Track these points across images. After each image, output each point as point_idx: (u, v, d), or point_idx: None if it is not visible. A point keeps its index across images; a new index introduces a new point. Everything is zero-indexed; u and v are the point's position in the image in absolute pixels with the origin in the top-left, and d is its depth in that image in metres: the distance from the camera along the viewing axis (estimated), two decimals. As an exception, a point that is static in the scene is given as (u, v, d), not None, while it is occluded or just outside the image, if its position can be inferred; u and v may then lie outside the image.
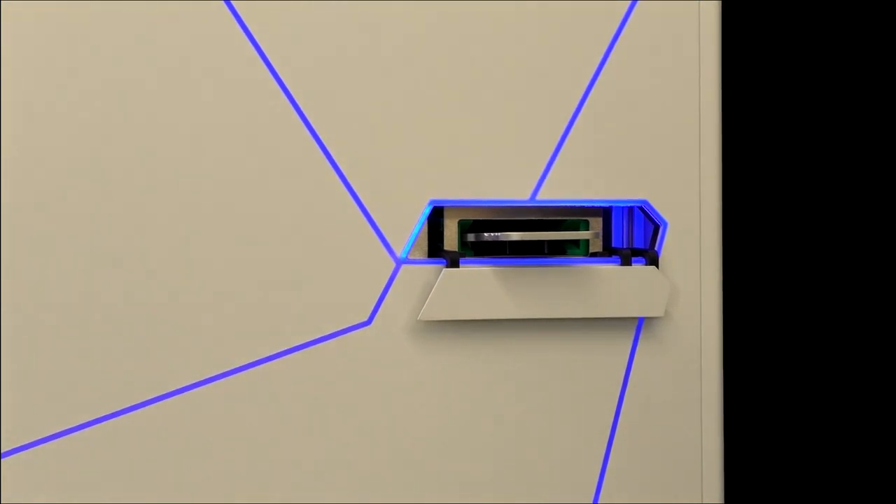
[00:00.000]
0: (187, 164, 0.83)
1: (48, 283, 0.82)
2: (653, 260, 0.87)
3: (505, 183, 0.85)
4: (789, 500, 1.16)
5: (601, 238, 0.89)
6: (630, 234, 0.90)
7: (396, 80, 0.84)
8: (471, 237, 0.86)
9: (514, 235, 0.84)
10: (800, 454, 1.18)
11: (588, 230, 0.88)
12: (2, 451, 0.81)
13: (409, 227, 0.84)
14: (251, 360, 0.83)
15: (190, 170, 0.83)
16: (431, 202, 0.84)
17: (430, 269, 0.84)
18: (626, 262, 0.87)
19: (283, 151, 0.83)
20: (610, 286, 0.87)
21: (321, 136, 0.83)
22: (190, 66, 0.84)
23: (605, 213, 0.90)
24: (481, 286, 0.84)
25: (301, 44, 0.84)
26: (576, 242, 0.88)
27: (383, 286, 0.84)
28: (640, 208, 0.89)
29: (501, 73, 0.86)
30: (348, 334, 0.83)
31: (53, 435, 0.82)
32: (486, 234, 0.85)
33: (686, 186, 0.88)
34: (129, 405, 0.82)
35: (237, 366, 0.83)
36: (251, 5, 0.84)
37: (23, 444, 0.81)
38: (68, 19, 0.82)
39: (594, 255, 0.88)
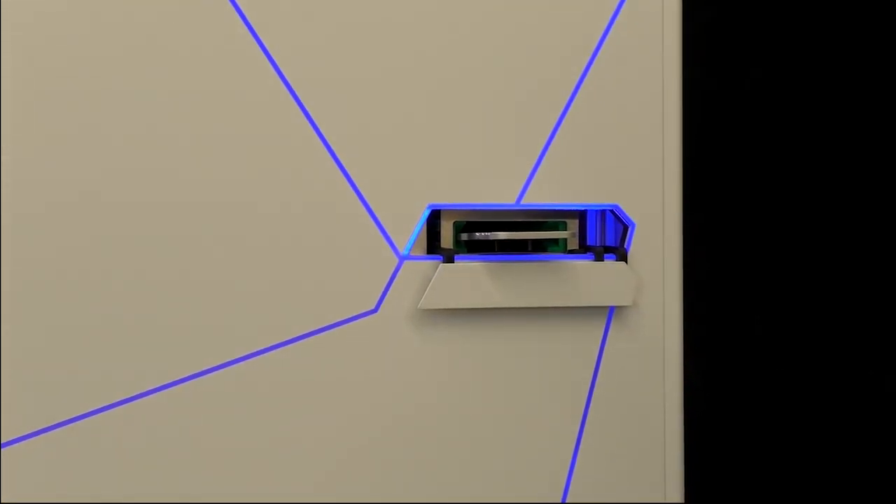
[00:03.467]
0: (211, 170, 0.83)
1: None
2: (622, 256, 0.90)
3: (494, 189, 0.88)
4: (748, 474, 1.17)
5: (577, 237, 0.92)
6: (602, 234, 0.92)
7: (400, 100, 0.86)
8: (464, 236, 0.89)
9: (502, 235, 0.87)
10: (753, 429, 1.19)
11: (566, 230, 0.90)
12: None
13: (410, 228, 0.86)
14: (272, 344, 0.84)
15: (214, 175, 0.83)
16: (430, 206, 0.87)
17: (429, 264, 0.87)
18: (599, 258, 0.90)
19: (302, 163, 0.84)
20: (585, 279, 0.89)
21: (334, 149, 0.85)
22: (201, 74, 0.83)
23: (581, 215, 0.92)
24: (473, 279, 0.87)
25: (315, 62, 0.84)
26: (555, 241, 0.91)
27: (388, 279, 0.86)
28: (612, 211, 0.91)
29: (491, 95, 0.87)
30: (357, 321, 0.85)
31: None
32: (477, 234, 0.88)
33: (651, 193, 0.91)
34: (142, 392, 0.83)
35: (259, 349, 0.83)
36: (265, 21, 0.84)
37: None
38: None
39: (571, 252, 0.91)
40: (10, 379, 0.80)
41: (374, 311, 0.86)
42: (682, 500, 0.91)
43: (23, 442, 0.81)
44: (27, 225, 0.81)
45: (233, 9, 0.83)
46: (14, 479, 0.81)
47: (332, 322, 0.84)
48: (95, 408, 0.82)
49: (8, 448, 0.81)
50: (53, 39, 0.81)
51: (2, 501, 0.81)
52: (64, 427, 0.81)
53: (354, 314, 0.85)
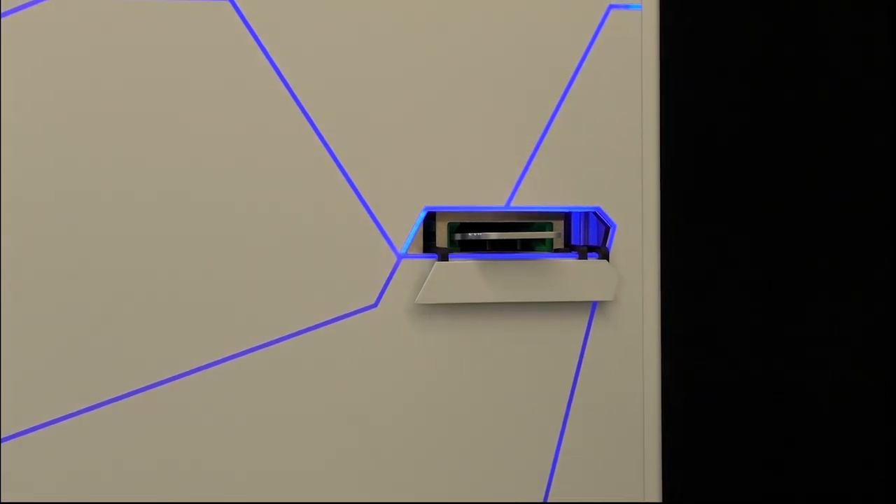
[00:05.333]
0: (225, 175, 0.84)
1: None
2: (604, 255, 0.91)
3: (485, 193, 0.89)
4: (722, 455, 1.17)
5: (563, 237, 0.92)
6: (586, 234, 0.93)
7: (399, 110, 0.87)
8: (458, 236, 0.90)
9: (493, 235, 0.88)
10: (727, 421, 1.17)
11: (552, 231, 0.91)
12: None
13: (407, 229, 0.88)
14: (279, 337, 0.85)
15: (228, 180, 0.84)
16: (426, 208, 0.88)
17: (425, 262, 0.88)
18: (582, 256, 0.90)
19: (308, 169, 0.85)
20: (570, 276, 0.90)
21: (337, 156, 0.86)
22: (206, 81, 0.84)
23: (566, 216, 0.92)
24: (466, 276, 0.88)
25: (321, 76, 0.86)
26: (542, 240, 0.91)
27: (387, 276, 0.87)
28: (594, 213, 0.92)
29: (483, 105, 0.89)
30: (358, 315, 0.86)
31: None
32: (470, 234, 0.89)
33: (631, 196, 0.91)
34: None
35: (266, 341, 0.85)
36: (270, 32, 0.85)
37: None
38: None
39: (557, 250, 0.91)
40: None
41: (374, 305, 0.87)
42: (660, 480, 0.92)
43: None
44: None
45: (236, 15, 0.84)
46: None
47: (335, 316, 0.86)
48: (103, 400, 0.83)
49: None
50: (54, 41, 0.82)
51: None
52: (73, 419, 0.82)
53: (356, 309, 0.86)
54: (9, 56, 0.81)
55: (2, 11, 0.79)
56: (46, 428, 0.82)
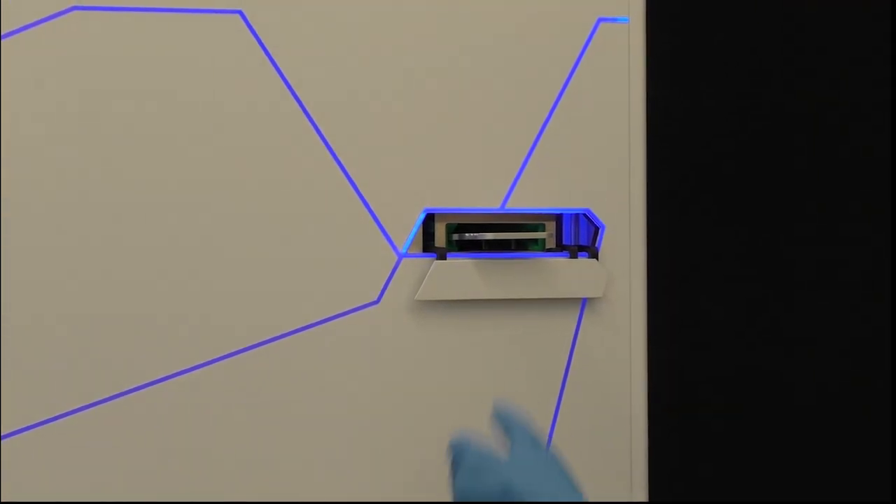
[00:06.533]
0: (237, 182, 0.86)
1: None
2: (594, 254, 0.92)
3: (481, 196, 0.90)
4: (705, 443, 1.16)
5: (554, 237, 0.93)
6: (576, 235, 0.94)
7: (400, 120, 0.89)
8: (455, 236, 0.91)
9: (489, 235, 0.89)
10: (709, 411, 1.16)
11: (544, 231, 0.92)
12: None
13: (408, 230, 0.89)
14: (288, 331, 0.86)
15: (240, 187, 0.86)
16: (425, 210, 0.89)
17: (424, 261, 0.89)
18: (573, 255, 0.92)
19: (315, 175, 0.87)
20: (561, 274, 0.91)
21: (343, 162, 0.88)
22: (216, 85, 0.84)
23: (558, 218, 0.94)
24: (463, 274, 0.89)
25: (326, 85, 0.87)
26: (535, 241, 0.92)
27: (389, 274, 0.89)
28: (585, 215, 0.93)
29: (479, 115, 0.90)
30: (362, 310, 0.88)
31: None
32: (467, 234, 0.90)
33: (619, 199, 0.93)
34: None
35: (276, 335, 0.86)
36: (280, 46, 0.86)
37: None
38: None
39: (549, 250, 0.92)
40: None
41: (377, 302, 0.89)
42: (647, 462, 0.93)
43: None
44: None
45: (246, 29, 0.86)
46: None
47: (340, 311, 0.88)
48: (108, 396, 0.84)
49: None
50: (70, 51, 0.83)
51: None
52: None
53: (359, 305, 0.88)
54: (28, 66, 0.82)
55: (24, 24, 0.82)
56: (46, 425, 0.83)
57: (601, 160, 0.93)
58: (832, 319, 1.18)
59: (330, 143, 0.88)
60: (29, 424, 0.83)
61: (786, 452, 1.14)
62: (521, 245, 0.93)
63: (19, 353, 0.82)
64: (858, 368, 1.14)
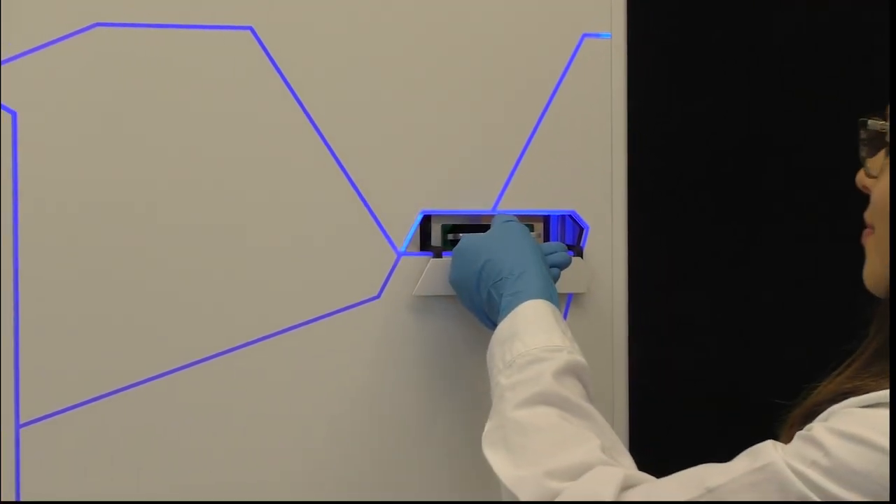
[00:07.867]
0: (246, 186, 0.88)
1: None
2: (579, 253, 0.94)
3: (474, 198, 0.93)
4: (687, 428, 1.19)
5: (542, 237, 0.95)
6: (563, 234, 0.96)
7: (399, 128, 0.91)
8: (450, 236, 0.93)
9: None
10: (687, 399, 1.20)
11: (533, 231, 0.93)
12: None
13: (406, 230, 0.92)
14: (292, 324, 0.89)
15: (248, 190, 0.88)
16: (422, 211, 0.92)
17: (422, 259, 0.92)
18: None
19: (319, 178, 0.89)
20: None
21: (345, 166, 0.90)
22: (225, 95, 0.87)
23: (546, 219, 0.96)
24: None
25: (332, 94, 0.89)
26: None
27: (388, 271, 0.91)
28: (570, 216, 0.95)
29: (471, 123, 0.92)
30: (363, 305, 0.91)
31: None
32: (461, 234, 0.92)
33: (602, 202, 0.95)
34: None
35: (281, 328, 0.88)
36: (289, 59, 0.88)
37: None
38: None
39: None
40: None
41: (378, 297, 0.91)
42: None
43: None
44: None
45: (256, 43, 0.88)
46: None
47: (342, 306, 0.91)
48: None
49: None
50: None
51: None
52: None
53: (362, 299, 0.91)
54: (52, 79, 0.85)
55: (50, 39, 0.84)
56: (54, 417, 0.85)
57: (586, 166, 0.95)
58: (810, 314, 1.20)
59: (335, 151, 0.91)
60: (41, 415, 0.85)
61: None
62: (512, 244, 0.92)
63: (26, 347, 0.85)
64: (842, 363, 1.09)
